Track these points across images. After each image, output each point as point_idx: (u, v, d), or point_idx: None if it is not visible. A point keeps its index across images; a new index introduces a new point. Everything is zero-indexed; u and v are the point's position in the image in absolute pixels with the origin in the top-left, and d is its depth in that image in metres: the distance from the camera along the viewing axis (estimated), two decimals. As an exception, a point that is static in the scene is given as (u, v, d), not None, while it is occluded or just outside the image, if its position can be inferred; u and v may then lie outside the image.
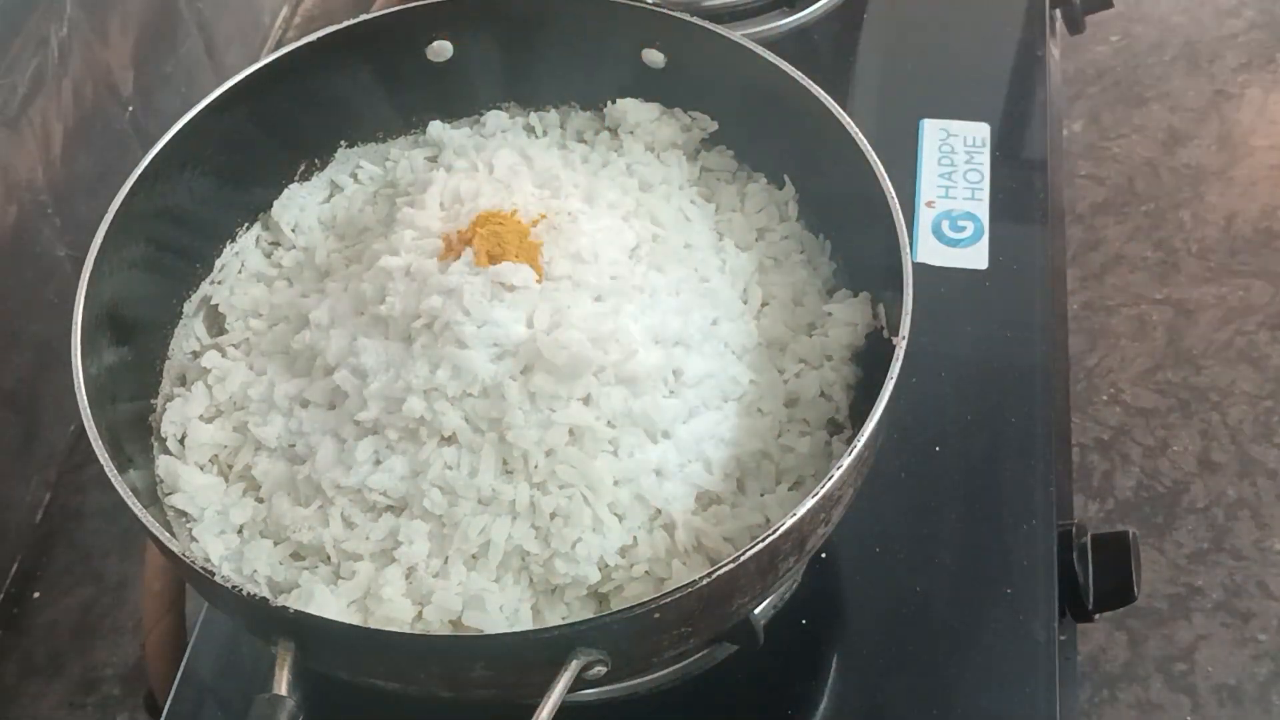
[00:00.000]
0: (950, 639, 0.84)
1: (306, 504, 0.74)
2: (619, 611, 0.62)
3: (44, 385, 1.28)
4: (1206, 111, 1.70)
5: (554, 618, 0.71)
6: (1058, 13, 1.28)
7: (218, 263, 0.88)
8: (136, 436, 0.79)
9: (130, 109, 1.37)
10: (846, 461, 0.66)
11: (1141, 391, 1.43)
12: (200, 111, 0.82)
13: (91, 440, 0.69)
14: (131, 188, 0.78)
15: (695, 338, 0.77)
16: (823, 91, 0.81)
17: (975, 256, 1.03)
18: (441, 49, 0.91)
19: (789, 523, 0.63)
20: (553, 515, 0.71)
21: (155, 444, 0.80)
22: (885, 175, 0.77)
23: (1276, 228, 1.57)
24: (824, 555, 0.88)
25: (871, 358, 0.81)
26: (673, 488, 0.73)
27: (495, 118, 0.93)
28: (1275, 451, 1.37)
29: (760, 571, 0.66)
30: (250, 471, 0.77)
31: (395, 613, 0.70)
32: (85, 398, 0.70)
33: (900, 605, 0.86)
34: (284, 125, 0.89)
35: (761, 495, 0.75)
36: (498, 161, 0.85)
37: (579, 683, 0.63)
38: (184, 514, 0.76)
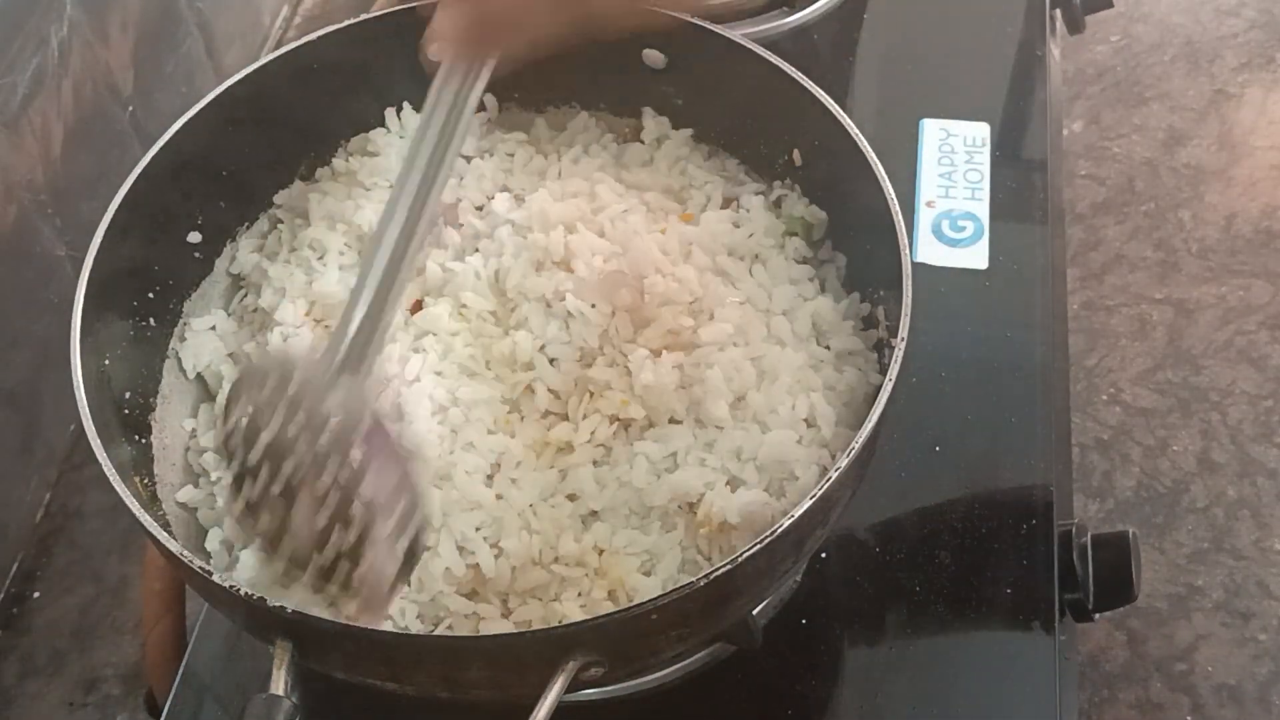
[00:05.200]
0: (950, 639, 0.84)
1: None
2: (615, 612, 0.62)
3: (44, 385, 1.28)
4: (1206, 111, 1.70)
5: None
6: (1058, 13, 1.28)
7: (217, 263, 0.88)
8: (136, 436, 0.79)
9: (130, 109, 1.37)
10: (845, 463, 0.66)
11: (1141, 391, 1.42)
12: (200, 111, 0.83)
13: (91, 440, 0.69)
14: (131, 187, 0.78)
15: None
16: (823, 92, 0.81)
17: (975, 256, 1.03)
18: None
19: (786, 524, 0.63)
20: None
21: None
22: (885, 175, 0.76)
23: (1276, 228, 1.57)
24: (824, 555, 0.88)
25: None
26: None
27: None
28: (1275, 451, 1.37)
29: (757, 573, 0.66)
30: None
31: None
32: (85, 398, 0.70)
33: (900, 605, 0.86)
34: (284, 125, 0.89)
35: None
36: None
37: (578, 683, 0.63)
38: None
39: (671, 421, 0.78)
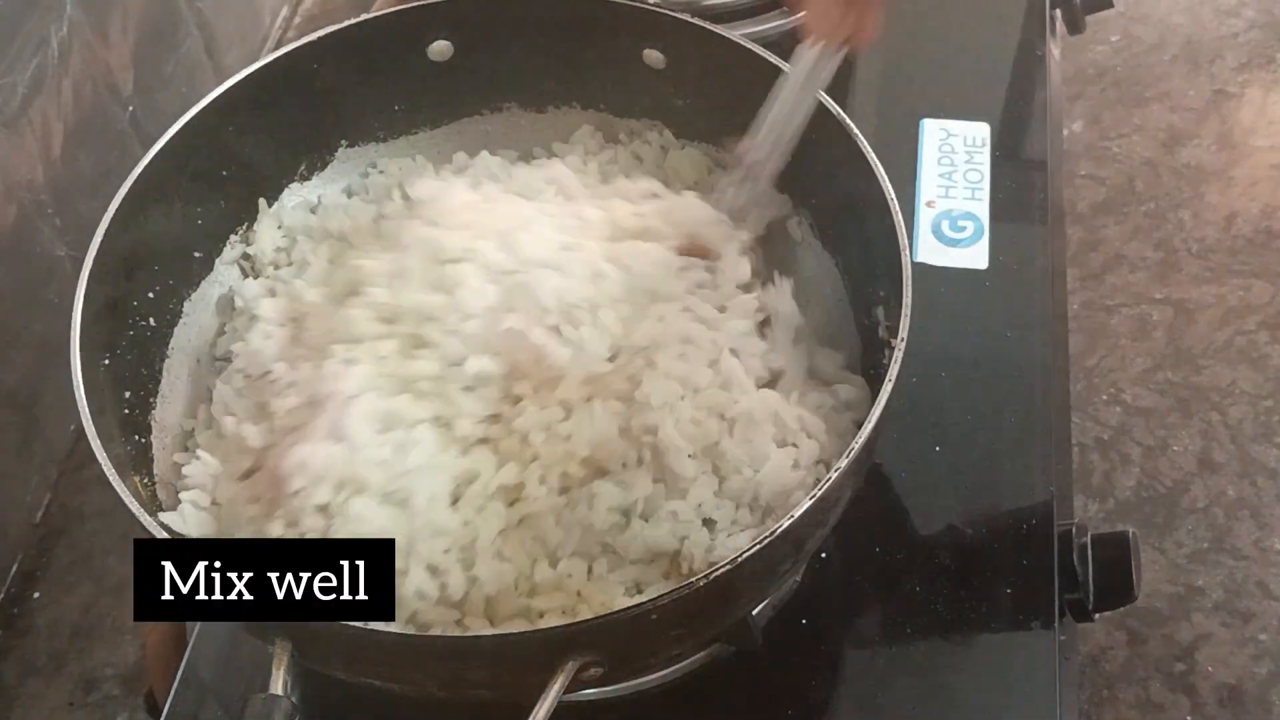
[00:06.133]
0: (950, 639, 0.84)
1: None
2: (615, 612, 0.62)
3: (44, 385, 1.28)
4: (1206, 111, 1.70)
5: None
6: (1058, 13, 1.28)
7: (217, 263, 0.88)
8: (136, 436, 0.79)
9: (130, 109, 1.37)
10: (844, 464, 0.66)
11: (1141, 391, 1.42)
12: (200, 111, 0.82)
13: (91, 440, 0.69)
14: (131, 188, 0.78)
15: None
16: (823, 92, 0.81)
17: (975, 256, 1.02)
18: (442, 49, 0.91)
19: (785, 524, 0.63)
20: None
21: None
22: (885, 175, 0.76)
23: (1276, 228, 1.57)
24: (824, 555, 0.88)
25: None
26: None
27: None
28: (1275, 451, 1.37)
29: (757, 574, 0.66)
30: None
31: None
32: (85, 398, 0.70)
33: (900, 605, 0.86)
34: (284, 125, 0.89)
35: None
36: None
37: (578, 683, 0.63)
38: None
39: (625, 467, 0.73)
